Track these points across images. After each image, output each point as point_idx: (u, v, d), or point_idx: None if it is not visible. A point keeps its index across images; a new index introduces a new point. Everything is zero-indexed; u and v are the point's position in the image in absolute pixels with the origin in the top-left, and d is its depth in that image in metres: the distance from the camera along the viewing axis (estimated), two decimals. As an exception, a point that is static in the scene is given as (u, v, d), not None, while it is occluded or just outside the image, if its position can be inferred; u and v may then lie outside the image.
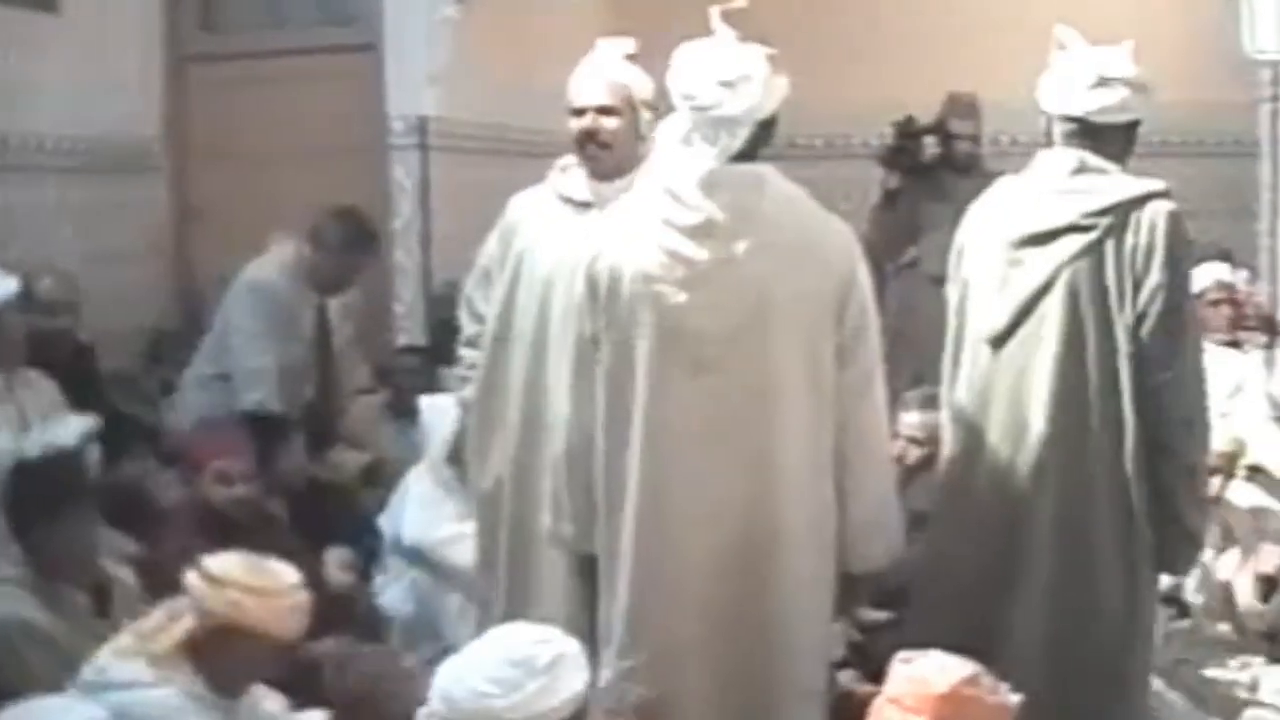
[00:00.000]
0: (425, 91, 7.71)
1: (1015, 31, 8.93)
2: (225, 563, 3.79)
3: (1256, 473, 5.58)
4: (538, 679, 3.30)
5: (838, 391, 3.85)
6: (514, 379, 4.66)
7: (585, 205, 4.61)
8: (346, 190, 7.14)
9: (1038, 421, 4.14)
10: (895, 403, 5.91)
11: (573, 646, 3.43)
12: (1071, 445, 4.12)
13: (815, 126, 9.22)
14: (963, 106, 7.50)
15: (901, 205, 7.50)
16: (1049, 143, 4.24)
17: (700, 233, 3.77)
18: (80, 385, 5.98)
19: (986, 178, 7.40)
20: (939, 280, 7.18)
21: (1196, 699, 4.91)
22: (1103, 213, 4.07)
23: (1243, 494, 5.46)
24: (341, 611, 5.12)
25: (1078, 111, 4.15)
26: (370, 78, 7.81)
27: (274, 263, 6.70)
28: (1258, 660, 5.17)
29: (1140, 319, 4.03)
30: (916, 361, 6.97)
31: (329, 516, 6.12)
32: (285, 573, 3.84)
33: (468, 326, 4.94)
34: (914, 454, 5.64)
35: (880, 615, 5.16)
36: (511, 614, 4.55)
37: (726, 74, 3.75)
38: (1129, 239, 4.04)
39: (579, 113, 4.56)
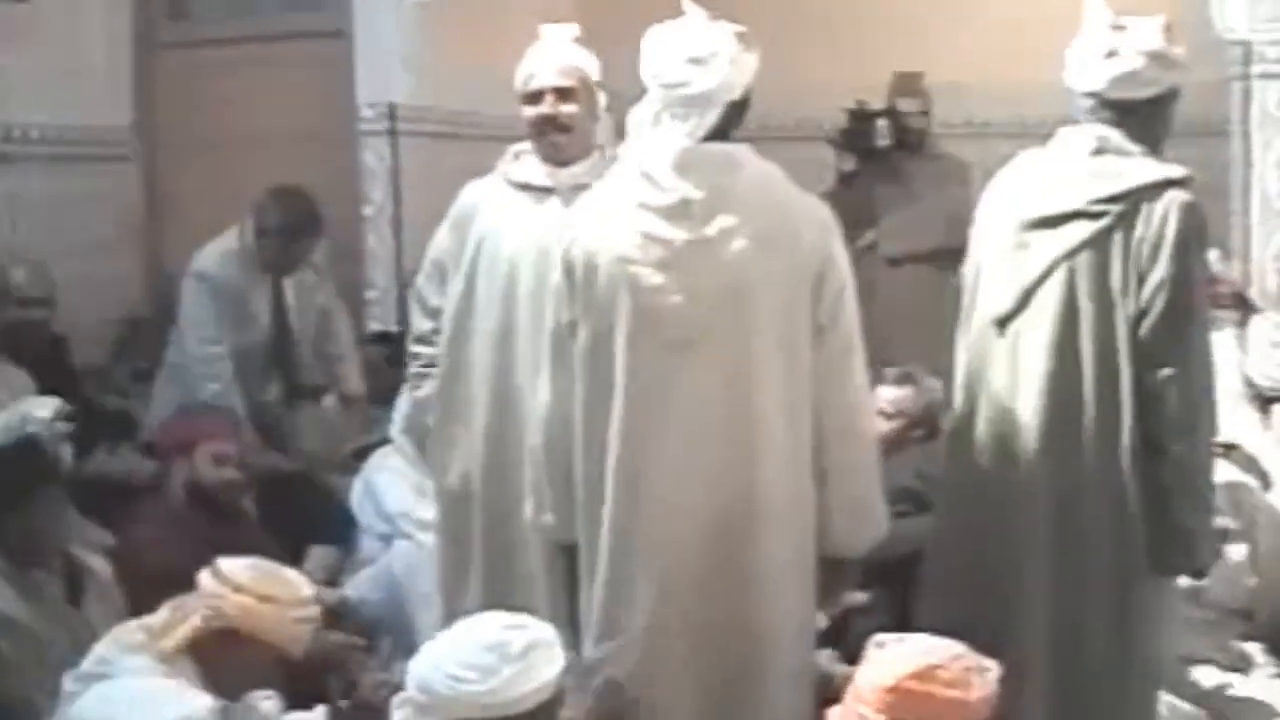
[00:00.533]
0: (396, 77, 7.68)
1: (980, 13, 9.02)
2: (240, 566, 3.80)
3: (1231, 450, 5.58)
4: (513, 664, 3.30)
5: (816, 371, 3.83)
6: (479, 371, 4.61)
7: (545, 191, 4.57)
8: (317, 177, 7.10)
9: (1028, 411, 4.08)
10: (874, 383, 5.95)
11: (547, 633, 3.44)
12: (1062, 439, 4.04)
13: (787, 109, 9.24)
14: (909, 85, 7.52)
15: (857, 188, 7.53)
16: (1075, 123, 4.14)
17: (676, 213, 3.76)
18: (53, 377, 5.96)
19: (938, 159, 7.53)
20: (895, 262, 7.28)
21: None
22: (1113, 200, 3.96)
23: (1220, 469, 5.45)
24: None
25: (1092, 86, 4.04)
26: (340, 64, 7.78)
27: (218, 249, 6.66)
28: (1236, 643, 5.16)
29: (1143, 314, 3.93)
30: (876, 343, 7.03)
31: (307, 511, 6.11)
32: (299, 583, 3.87)
33: (420, 322, 4.88)
34: (884, 427, 5.64)
35: (859, 596, 5.17)
36: (493, 605, 4.54)
37: (695, 52, 3.75)
38: (1138, 230, 3.92)
39: (534, 98, 4.53)
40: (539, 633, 3.40)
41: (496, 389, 4.57)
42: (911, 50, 8.02)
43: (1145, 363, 3.94)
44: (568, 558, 4.09)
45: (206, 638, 3.71)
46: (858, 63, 8.19)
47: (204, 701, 3.48)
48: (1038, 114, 8.39)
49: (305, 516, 5.97)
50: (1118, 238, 3.95)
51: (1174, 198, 3.92)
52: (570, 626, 3.94)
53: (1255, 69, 6.66)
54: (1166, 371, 3.91)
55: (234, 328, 6.57)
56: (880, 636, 3.53)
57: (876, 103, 7.64)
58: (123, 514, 5.36)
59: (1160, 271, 3.90)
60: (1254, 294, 6.74)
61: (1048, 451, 4.05)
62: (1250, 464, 5.62)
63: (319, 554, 5.80)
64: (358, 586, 5.60)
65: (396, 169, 7.72)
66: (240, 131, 8.04)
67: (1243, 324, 6.60)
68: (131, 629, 3.80)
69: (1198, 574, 4.29)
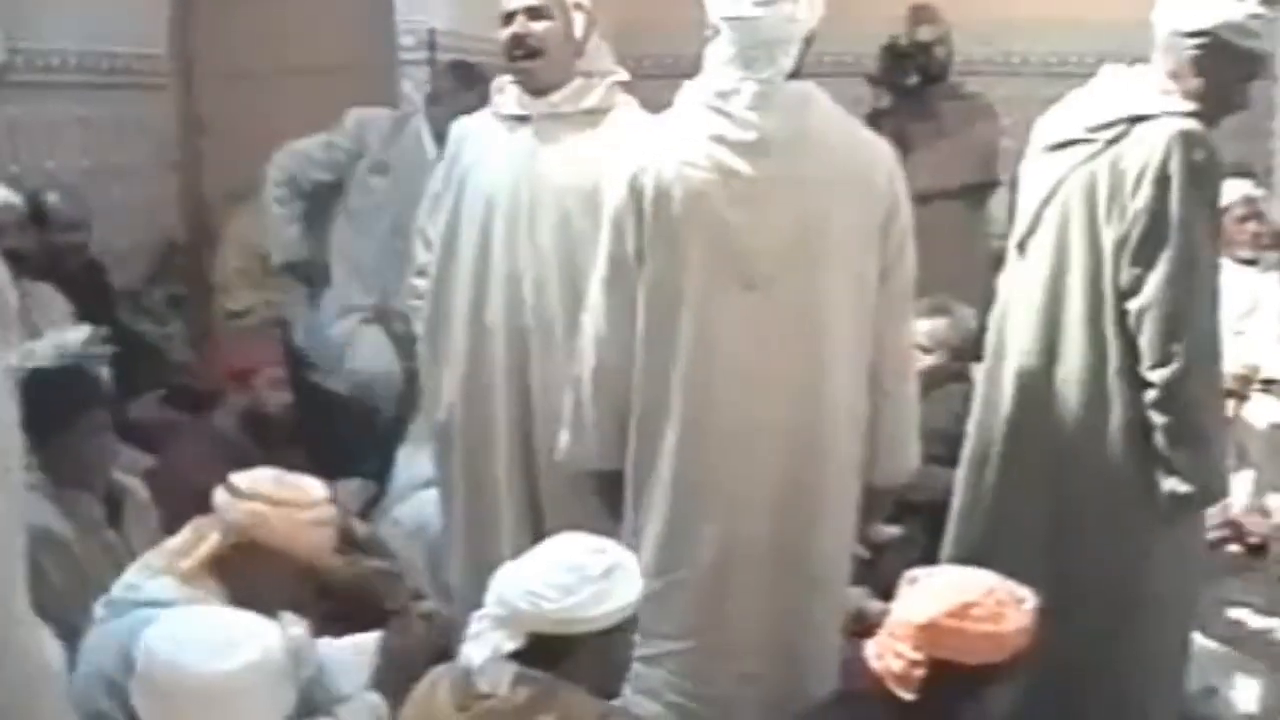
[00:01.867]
0: (435, 3, 7.64)
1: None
2: (252, 477, 3.78)
3: (1272, 384, 5.55)
4: (593, 585, 3.32)
5: (878, 309, 3.86)
6: (458, 306, 4.58)
7: (519, 120, 4.48)
8: (355, 105, 7.07)
9: (1015, 343, 4.13)
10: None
11: (628, 557, 3.44)
12: (1051, 367, 4.06)
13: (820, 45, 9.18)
14: (926, 12, 7.49)
15: (889, 125, 7.49)
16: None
17: (755, 150, 3.72)
18: (90, 300, 5.98)
19: (967, 98, 7.50)
20: (925, 198, 7.24)
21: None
22: (1105, 126, 3.94)
23: (1259, 411, 5.43)
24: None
25: (1165, 25, 3.97)
26: (381, -9, 7.75)
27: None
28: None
29: (1123, 241, 3.88)
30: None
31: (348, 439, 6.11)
32: (311, 486, 3.82)
33: (420, 255, 4.81)
34: (924, 361, 5.62)
35: (893, 530, 5.17)
36: (472, 542, 4.58)
37: None
38: (1124, 157, 3.89)
39: (507, 18, 4.41)
40: (619, 556, 3.41)
41: (472, 326, 4.54)
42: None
43: (1124, 292, 3.91)
44: (607, 488, 4.08)
45: (226, 554, 3.68)
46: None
47: (276, 637, 3.44)
48: (1074, 51, 8.49)
49: (346, 444, 5.98)
50: (1104, 164, 3.93)
51: (1167, 125, 3.86)
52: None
53: (1302, 6, 6.59)
54: (1139, 301, 3.86)
55: None
56: (913, 572, 3.54)
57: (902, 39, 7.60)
58: (163, 441, 5.39)
59: (1140, 200, 3.85)
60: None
61: (1043, 378, 4.08)
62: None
63: (353, 486, 5.79)
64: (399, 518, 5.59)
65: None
66: (277, 59, 8.00)
67: (1283, 263, 6.57)
68: (156, 553, 3.79)
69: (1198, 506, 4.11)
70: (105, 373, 5.07)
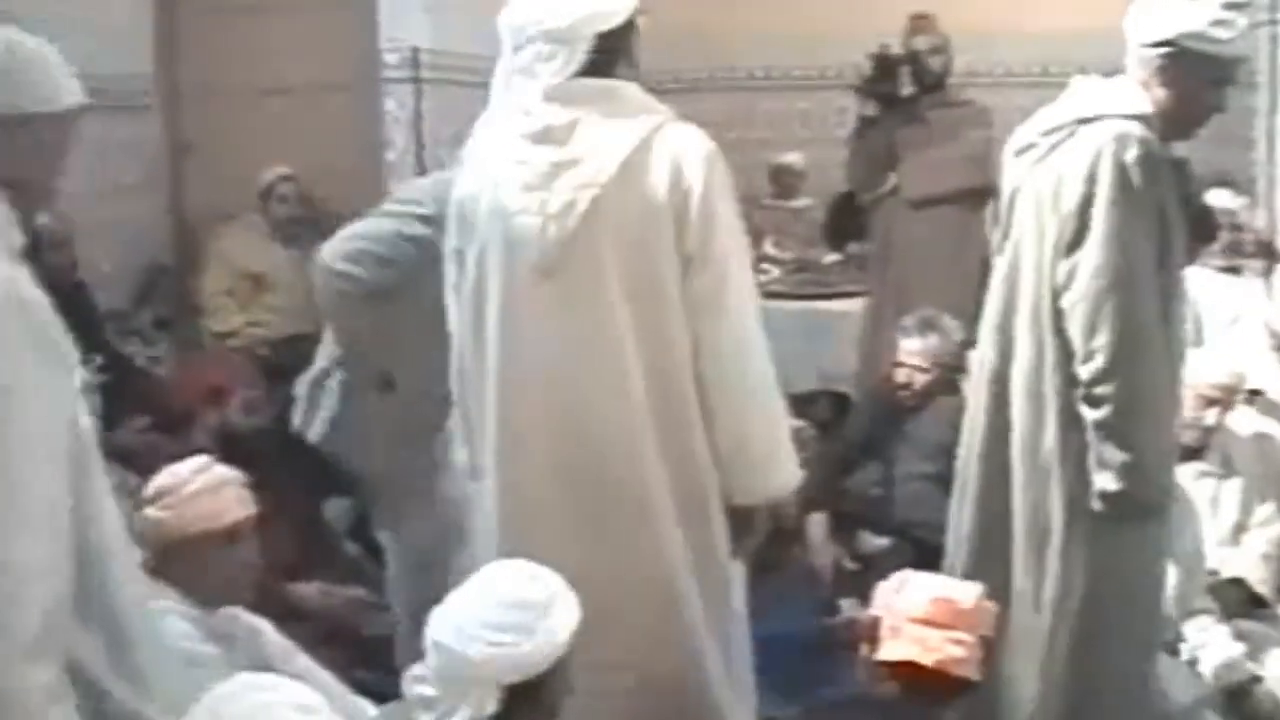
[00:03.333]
0: (418, 22, 7.64)
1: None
2: (151, 486, 3.76)
3: (1256, 395, 5.57)
4: (544, 617, 3.23)
5: (687, 305, 3.72)
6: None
7: None
8: (340, 123, 7.08)
9: (985, 344, 4.17)
10: (894, 329, 5.96)
11: (554, 576, 3.34)
12: (1001, 370, 4.08)
13: (806, 57, 9.23)
14: (923, 25, 7.50)
15: (878, 133, 7.51)
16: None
17: (540, 138, 3.72)
18: (76, 322, 5.96)
19: (960, 105, 7.51)
20: (917, 205, 7.28)
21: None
22: (1054, 130, 3.97)
23: (1244, 420, 5.44)
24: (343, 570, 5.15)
25: (1132, 37, 3.97)
26: (363, 9, 7.75)
27: None
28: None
29: (1058, 239, 3.90)
30: (899, 287, 7.04)
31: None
32: (185, 463, 3.78)
33: None
34: (920, 380, 5.65)
35: (881, 541, 5.19)
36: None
37: None
38: (1062, 161, 3.91)
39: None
40: (549, 578, 3.32)
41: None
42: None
43: (1059, 289, 3.92)
44: None
45: (157, 566, 3.62)
46: (877, 11, 8.15)
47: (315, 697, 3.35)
48: (1060, 61, 8.52)
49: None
50: (1047, 169, 3.95)
51: (1106, 129, 3.87)
52: None
53: (1284, 13, 6.63)
54: (1068, 297, 3.88)
55: None
56: (896, 576, 3.62)
57: (896, 48, 7.61)
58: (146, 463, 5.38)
59: (1071, 199, 3.86)
60: (1279, 242, 6.72)
61: (998, 382, 4.10)
62: (1274, 410, 5.60)
63: (337, 506, 5.78)
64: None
65: (419, 115, 7.69)
66: (262, 77, 8.01)
67: (1268, 273, 6.59)
68: None
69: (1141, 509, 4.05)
70: (95, 400, 5.07)
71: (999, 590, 3.88)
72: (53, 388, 2.83)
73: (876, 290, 7.45)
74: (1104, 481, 3.92)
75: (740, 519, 3.88)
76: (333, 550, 5.45)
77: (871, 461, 5.86)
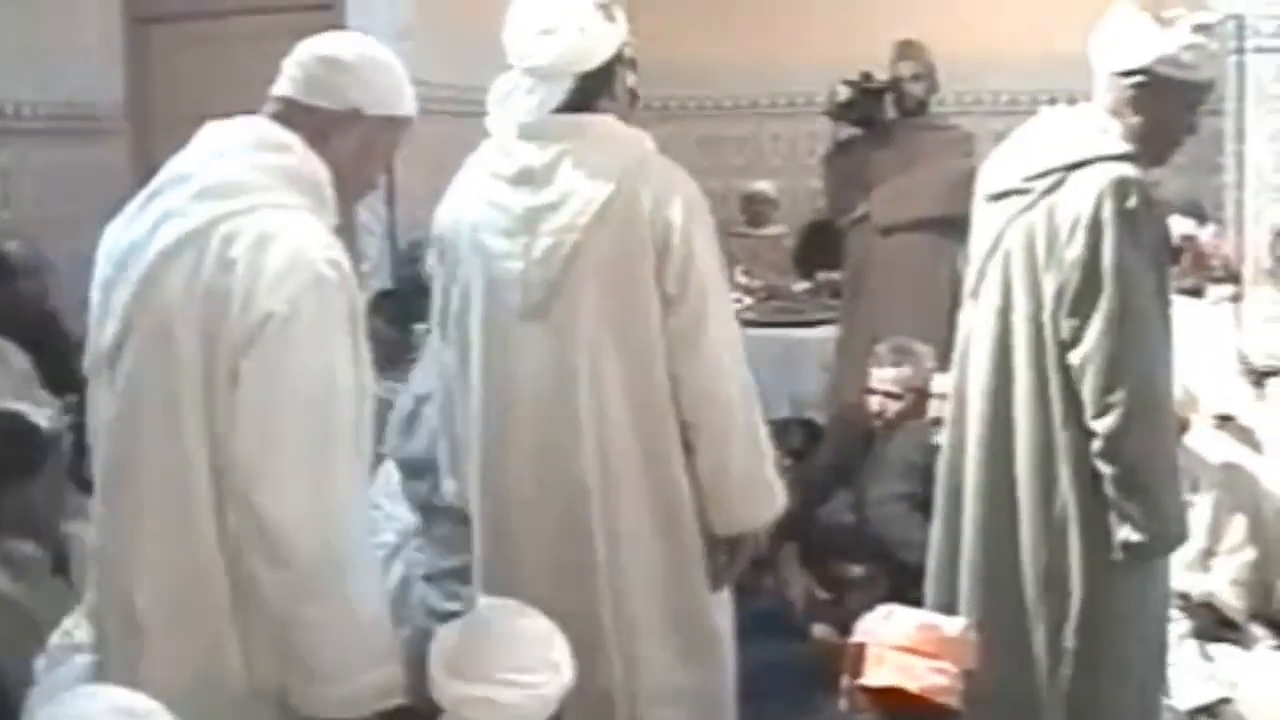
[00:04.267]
0: (389, 49, 7.64)
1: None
2: None
3: (1226, 421, 5.58)
4: (557, 648, 3.28)
5: (668, 342, 3.74)
6: None
7: None
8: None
9: (975, 389, 4.08)
10: (867, 357, 5.97)
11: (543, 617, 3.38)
12: (999, 418, 4.01)
13: (783, 84, 9.26)
14: (909, 51, 7.51)
15: (853, 158, 7.52)
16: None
17: (519, 180, 3.74)
18: (47, 352, 5.95)
19: (941, 130, 7.52)
20: (887, 231, 7.28)
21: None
22: (1042, 175, 3.90)
23: (1213, 445, 5.45)
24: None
25: (1102, 66, 3.97)
26: (332, 37, 7.75)
27: None
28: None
29: (1060, 292, 3.85)
30: (871, 314, 7.04)
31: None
32: None
33: None
34: (892, 408, 5.66)
35: (856, 569, 5.19)
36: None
37: (543, 23, 3.72)
38: (1059, 207, 3.85)
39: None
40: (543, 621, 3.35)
41: None
42: (910, 25, 8.00)
43: (1065, 344, 3.87)
44: None
45: None
46: (854, 39, 8.18)
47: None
48: (1043, 88, 8.56)
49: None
50: (1042, 214, 3.89)
51: (1104, 171, 3.83)
52: None
53: (1249, 43, 6.68)
54: (1079, 352, 3.83)
55: None
56: (884, 608, 3.57)
57: (880, 74, 7.62)
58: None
59: (1074, 250, 3.82)
60: (1247, 269, 6.76)
61: (991, 430, 4.04)
62: (1245, 436, 5.62)
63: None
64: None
65: (390, 142, 7.68)
66: (233, 105, 7.92)
67: (1237, 298, 6.62)
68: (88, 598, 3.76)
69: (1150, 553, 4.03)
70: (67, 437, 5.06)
71: (1007, 633, 3.95)
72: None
73: (848, 317, 7.46)
74: (1126, 533, 3.89)
75: (721, 549, 3.88)
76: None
77: (842, 489, 5.87)
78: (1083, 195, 3.82)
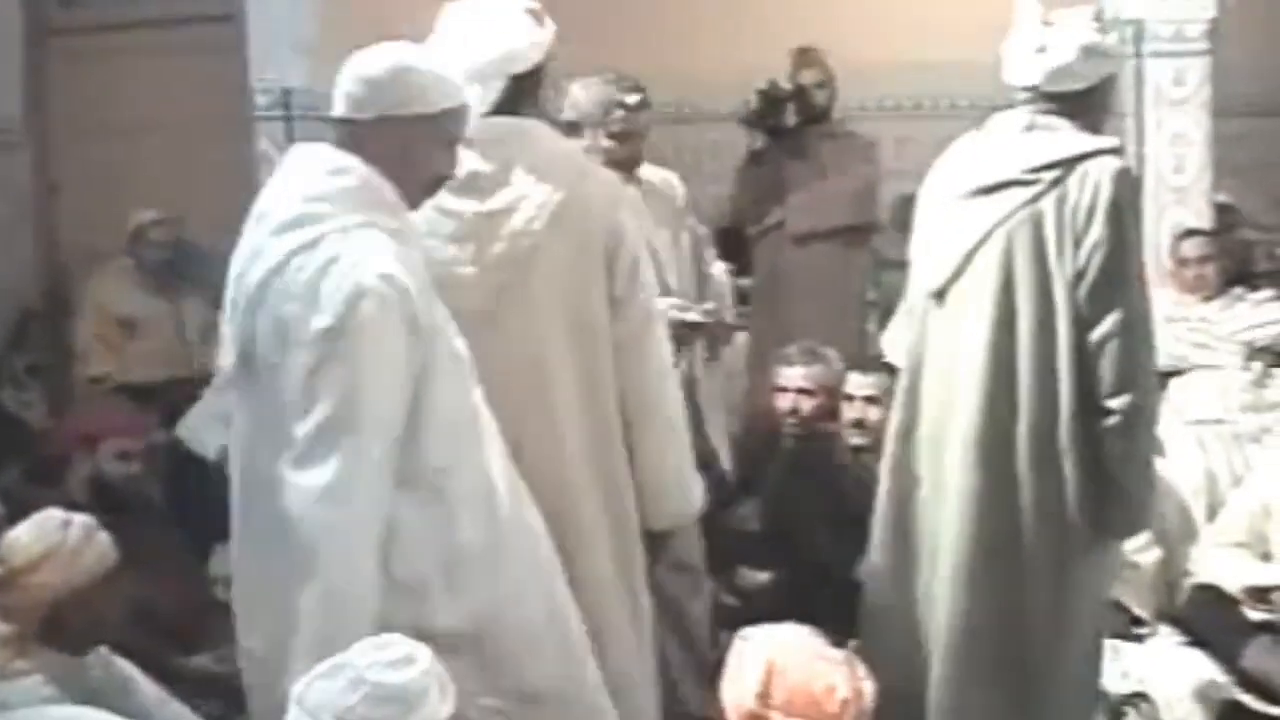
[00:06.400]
0: (289, 62, 7.58)
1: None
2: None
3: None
4: (417, 710, 2.98)
5: (615, 345, 3.85)
6: None
7: None
8: (211, 163, 7.02)
9: (969, 384, 4.09)
10: (774, 359, 5.97)
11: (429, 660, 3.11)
12: (1000, 409, 4.05)
13: (697, 93, 9.26)
14: (809, 58, 7.54)
15: (766, 167, 7.54)
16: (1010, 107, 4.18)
17: (466, 186, 3.76)
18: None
19: (845, 138, 7.55)
20: (801, 240, 7.31)
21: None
22: (1046, 167, 4.01)
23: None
24: (222, 619, 5.06)
25: (1027, 80, 4.08)
26: (234, 49, 7.69)
27: None
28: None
29: (1079, 276, 3.96)
30: (783, 322, 7.05)
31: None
32: (45, 524, 3.79)
33: None
34: (806, 405, 5.66)
35: (761, 576, 5.19)
36: None
37: (479, 26, 3.82)
38: (1071, 195, 3.97)
39: None
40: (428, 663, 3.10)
41: None
42: (816, 32, 8.03)
43: (1083, 325, 3.97)
44: None
45: (24, 631, 3.66)
46: (764, 46, 8.19)
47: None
48: (943, 92, 8.60)
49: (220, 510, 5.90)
50: (1051, 203, 4.00)
51: (1106, 163, 3.98)
52: None
53: (1147, 47, 6.73)
54: (1103, 330, 3.95)
55: None
56: (747, 630, 3.26)
57: (783, 82, 7.65)
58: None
59: (1094, 234, 3.94)
60: (1148, 270, 6.81)
61: (988, 417, 4.07)
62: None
63: (225, 550, 5.72)
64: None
65: (291, 155, 7.64)
66: (134, 118, 7.94)
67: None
68: None
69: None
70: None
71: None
72: None
73: (759, 325, 7.45)
74: (1118, 512, 4.09)
75: (650, 544, 4.00)
76: (224, 606, 5.35)
77: (750, 497, 5.87)
78: (1094, 185, 3.96)
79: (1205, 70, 6.63)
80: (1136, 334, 3.98)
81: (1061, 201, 3.99)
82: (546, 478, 3.77)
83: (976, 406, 4.06)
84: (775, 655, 3.13)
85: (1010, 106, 4.15)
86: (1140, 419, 4.01)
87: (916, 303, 4.28)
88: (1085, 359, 3.98)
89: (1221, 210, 6.96)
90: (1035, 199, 4.02)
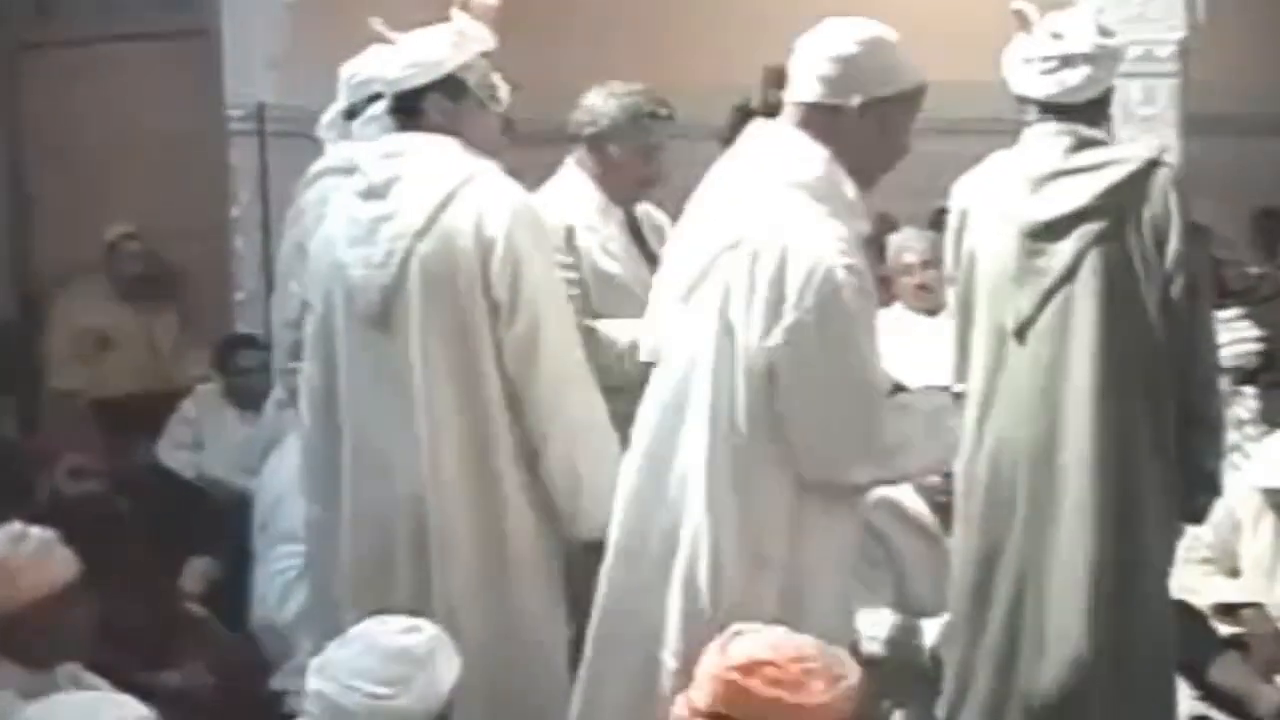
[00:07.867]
0: (263, 77, 7.59)
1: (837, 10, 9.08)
2: None
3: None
4: (424, 669, 3.25)
5: (506, 350, 3.84)
6: None
7: None
8: (185, 177, 7.02)
9: (1078, 414, 4.06)
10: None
11: (434, 629, 3.39)
12: (1117, 433, 4.05)
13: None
14: (777, 75, 7.55)
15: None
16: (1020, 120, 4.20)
17: (367, 194, 3.89)
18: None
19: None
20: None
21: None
22: (1115, 190, 4.03)
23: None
24: (192, 635, 5.06)
25: (1040, 94, 4.08)
26: (207, 63, 7.70)
27: None
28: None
29: (1167, 285, 4.02)
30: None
31: (196, 520, 6.03)
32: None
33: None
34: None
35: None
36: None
37: (400, 41, 3.98)
38: (1146, 210, 4.02)
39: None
40: (431, 629, 3.36)
41: None
42: (779, 50, 8.04)
43: (1175, 332, 4.06)
44: None
45: None
46: (730, 65, 8.21)
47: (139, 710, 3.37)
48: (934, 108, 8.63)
49: (193, 525, 5.91)
50: (1130, 224, 4.04)
51: (1165, 175, 4.07)
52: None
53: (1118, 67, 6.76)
54: (1194, 337, 4.09)
55: None
56: (740, 625, 3.33)
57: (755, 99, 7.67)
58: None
59: (1174, 245, 4.03)
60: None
61: (1104, 440, 4.05)
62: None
63: (196, 565, 5.72)
64: (265, 604, 5.43)
65: (264, 170, 7.63)
66: (108, 132, 7.93)
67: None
68: None
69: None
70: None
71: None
72: None
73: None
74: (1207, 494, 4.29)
75: (587, 556, 3.86)
76: (195, 621, 5.34)
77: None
78: (1163, 196, 4.05)
79: (1174, 90, 6.66)
80: (1211, 336, 4.20)
81: (1138, 220, 4.04)
82: (417, 483, 3.83)
83: (1090, 432, 4.04)
84: (761, 640, 3.24)
85: (999, 119, 4.21)
86: (1222, 419, 4.37)
87: (985, 341, 4.21)
88: (1179, 368, 4.08)
89: (1193, 230, 6.96)
90: (1115, 224, 4.04)
